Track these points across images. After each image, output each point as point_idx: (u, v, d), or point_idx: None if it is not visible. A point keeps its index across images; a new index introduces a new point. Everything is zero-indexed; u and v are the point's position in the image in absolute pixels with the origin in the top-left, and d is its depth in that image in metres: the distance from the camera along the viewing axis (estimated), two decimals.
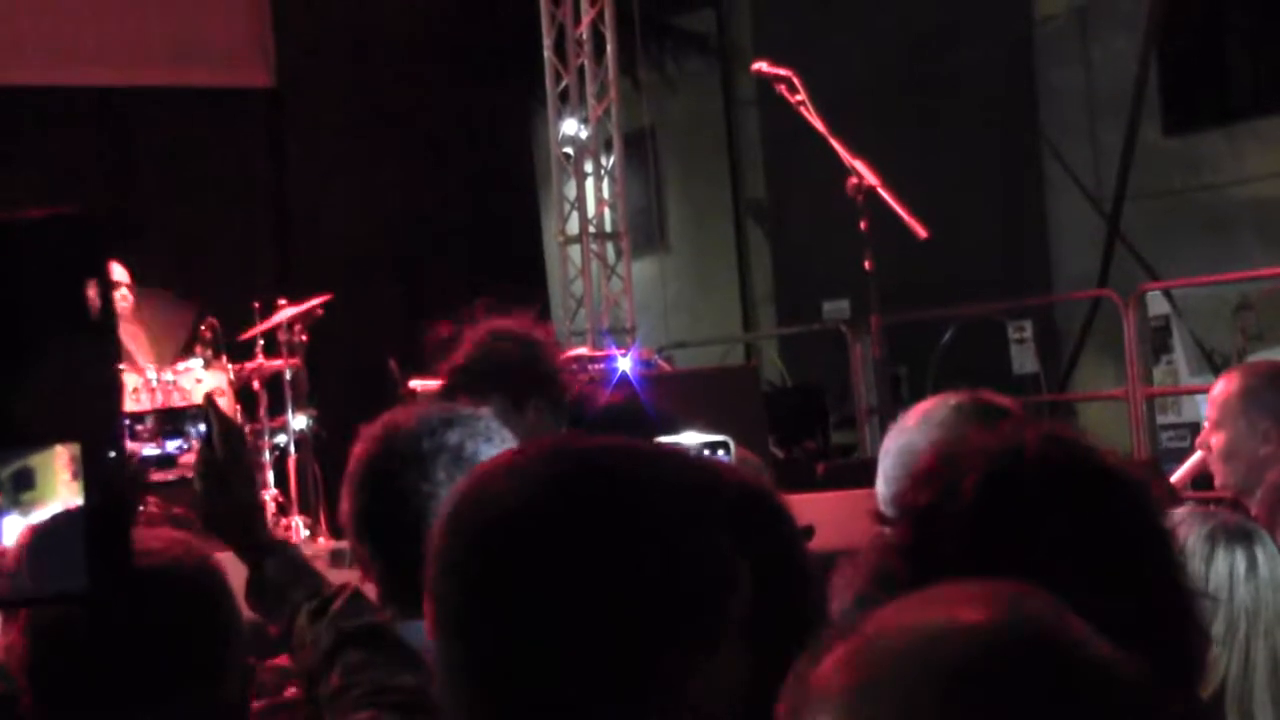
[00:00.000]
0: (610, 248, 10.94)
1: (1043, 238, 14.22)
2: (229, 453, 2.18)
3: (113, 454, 1.72)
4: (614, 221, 10.88)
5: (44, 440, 1.72)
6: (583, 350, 8.67)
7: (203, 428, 2.25)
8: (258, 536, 2.19)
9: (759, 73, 7.05)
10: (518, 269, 10.90)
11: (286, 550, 2.21)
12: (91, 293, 1.73)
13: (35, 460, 1.74)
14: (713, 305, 14.38)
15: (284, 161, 10.48)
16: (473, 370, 3.79)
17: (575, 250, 10.77)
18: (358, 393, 7.65)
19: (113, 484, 1.71)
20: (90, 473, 1.71)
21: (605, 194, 10.80)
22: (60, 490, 1.72)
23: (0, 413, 1.71)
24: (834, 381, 10.70)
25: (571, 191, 10.91)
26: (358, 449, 2.33)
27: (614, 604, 1.19)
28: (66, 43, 9.58)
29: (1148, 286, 10.90)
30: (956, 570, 1.20)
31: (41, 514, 1.72)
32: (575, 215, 10.79)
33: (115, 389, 1.93)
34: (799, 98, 6.62)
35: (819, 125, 6.54)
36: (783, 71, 6.73)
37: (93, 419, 1.78)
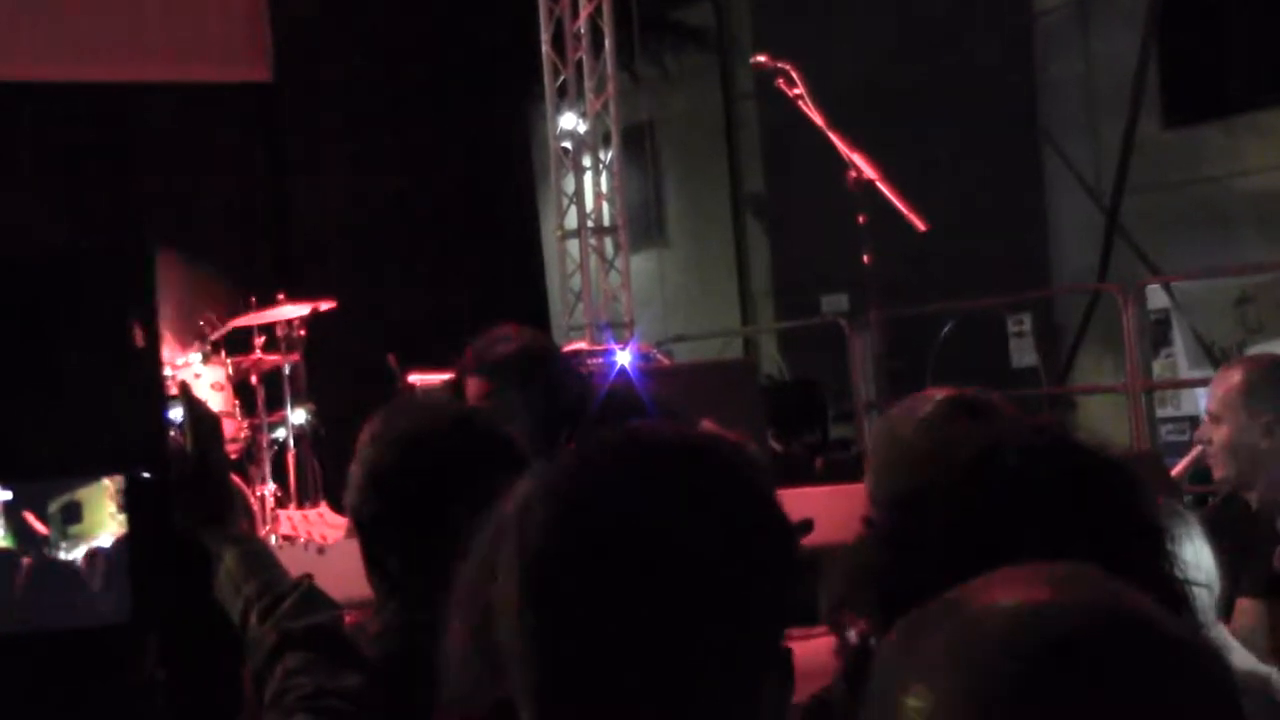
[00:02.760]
0: (609, 242, 10.93)
1: (1042, 231, 14.21)
2: (200, 443, 2.11)
3: (157, 485, 1.70)
4: (612, 216, 10.87)
5: (89, 473, 1.70)
6: (581, 345, 8.67)
7: (173, 415, 2.18)
8: (225, 529, 2.12)
9: (758, 66, 7.04)
10: (516, 263, 10.90)
11: (250, 543, 2.15)
12: (135, 325, 1.72)
13: (82, 493, 1.72)
14: (711, 299, 14.37)
15: (281, 155, 10.47)
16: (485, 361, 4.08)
17: (574, 245, 10.76)
18: (356, 387, 7.65)
19: (157, 516, 1.69)
20: (134, 505, 1.69)
21: (604, 188, 10.79)
22: (107, 523, 1.71)
23: (45, 446, 1.70)
24: (832, 376, 10.68)
25: (570, 186, 10.90)
26: (380, 454, 2.26)
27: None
28: (64, 39, 9.57)
29: (1147, 281, 10.89)
30: (942, 559, 1.20)
31: (88, 547, 1.70)
32: (574, 210, 10.78)
33: (159, 421, 1.90)
34: (797, 91, 6.60)
35: (818, 119, 6.53)
36: (781, 65, 6.71)
37: (136, 451, 1.76)
